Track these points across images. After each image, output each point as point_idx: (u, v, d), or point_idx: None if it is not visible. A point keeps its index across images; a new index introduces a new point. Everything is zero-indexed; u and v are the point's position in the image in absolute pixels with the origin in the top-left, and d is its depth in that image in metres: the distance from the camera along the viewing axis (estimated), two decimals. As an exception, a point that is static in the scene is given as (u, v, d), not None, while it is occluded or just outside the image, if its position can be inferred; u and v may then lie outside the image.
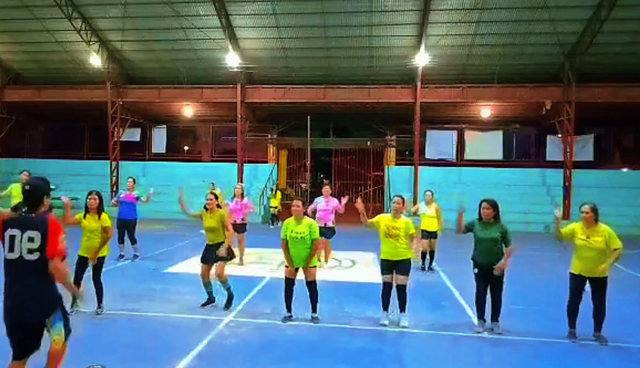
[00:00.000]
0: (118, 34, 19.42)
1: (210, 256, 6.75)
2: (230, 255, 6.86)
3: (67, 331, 3.69)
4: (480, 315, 6.05)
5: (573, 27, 17.81)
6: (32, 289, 3.51)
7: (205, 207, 6.86)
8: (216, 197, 7.01)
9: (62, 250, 3.62)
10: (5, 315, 3.55)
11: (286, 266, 6.27)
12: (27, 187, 3.64)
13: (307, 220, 6.32)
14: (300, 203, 6.30)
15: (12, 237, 3.50)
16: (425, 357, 5.29)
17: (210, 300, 6.82)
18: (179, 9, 18.05)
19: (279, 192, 19.62)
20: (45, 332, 3.59)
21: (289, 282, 6.22)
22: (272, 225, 18.46)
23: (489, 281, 5.93)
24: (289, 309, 6.26)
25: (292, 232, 6.18)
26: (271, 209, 19.20)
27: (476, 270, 6.03)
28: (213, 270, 6.77)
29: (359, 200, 6.49)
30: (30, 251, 3.48)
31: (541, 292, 8.13)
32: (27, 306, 3.51)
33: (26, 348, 3.55)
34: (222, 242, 6.72)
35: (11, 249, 3.50)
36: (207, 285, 6.80)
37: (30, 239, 3.48)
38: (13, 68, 22.62)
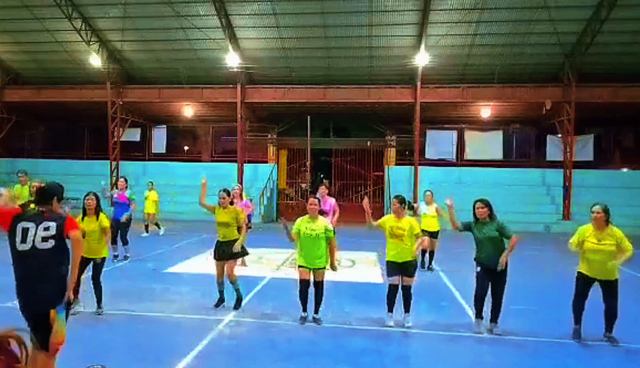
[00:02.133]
0: (118, 34, 19.42)
1: (224, 253, 6.71)
2: (244, 252, 6.91)
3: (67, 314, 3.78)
4: (479, 313, 6.03)
5: (573, 27, 17.80)
6: (44, 279, 3.65)
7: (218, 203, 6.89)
8: (228, 194, 7.00)
9: (80, 228, 4.01)
10: (21, 307, 3.69)
11: (300, 266, 6.17)
12: (43, 185, 3.99)
13: (322, 218, 6.26)
14: (316, 201, 6.22)
15: (26, 230, 3.66)
16: (425, 357, 5.29)
17: (222, 299, 6.80)
18: (179, 9, 18.04)
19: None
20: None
21: (304, 284, 6.15)
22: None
23: (491, 280, 5.91)
24: (305, 309, 6.24)
25: (306, 228, 6.09)
26: None
27: (478, 268, 6.01)
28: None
29: (365, 199, 6.38)
30: (44, 239, 3.66)
31: (541, 292, 8.13)
32: (39, 296, 3.62)
33: (43, 336, 3.56)
34: (235, 240, 6.71)
35: (23, 240, 3.64)
36: (221, 284, 6.77)
37: (46, 229, 3.68)
38: (13, 68, 22.62)
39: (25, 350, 0.82)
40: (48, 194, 3.96)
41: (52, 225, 3.71)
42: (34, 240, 3.64)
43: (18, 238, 3.66)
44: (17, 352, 0.80)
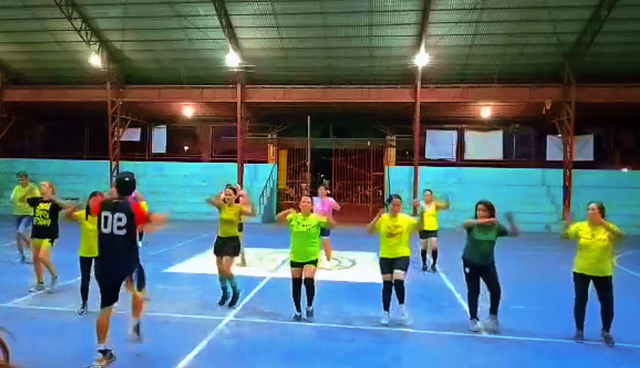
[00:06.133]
0: (118, 34, 19.43)
1: (223, 248, 6.78)
2: (236, 250, 7.02)
3: (142, 285, 4.98)
4: (473, 314, 6.08)
5: (573, 27, 17.81)
6: (117, 256, 4.62)
7: (223, 200, 7.06)
8: (234, 191, 7.24)
9: (147, 217, 4.88)
10: (97, 272, 4.79)
11: (291, 264, 6.30)
12: (126, 179, 4.69)
13: (313, 215, 6.44)
14: (309, 199, 6.46)
15: (106, 217, 4.59)
16: (425, 357, 5.29)
17: (225, 296, 6.84)
18: (179, 9, 18.05)
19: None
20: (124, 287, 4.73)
21: (296, 282, 6.23)
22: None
23: (482, 276, 5.98)
24: (298, 309, 6.28)
25: (298, 224, 6.23)
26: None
27: (467, 270, 6.06)
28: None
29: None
30: (119, 228, 4.56)
31: (541, 292, 8.12)
32: (113, 269, 4.64)
33: (110, 298, 4.63)
34: (234, 237, 6.88)
35: (105, 226, 4.59)
36: (223, 280, 6.84)
37: (119, 219, 4.55)
38: (13, 68, 22.61)
39: (5, 349, 0.86)
40: (131, 186, 4.69)
41: (123, 217, 4.54)
42: (112, 227, 4.55)
43: (101, 224, 4.59)
44: None
